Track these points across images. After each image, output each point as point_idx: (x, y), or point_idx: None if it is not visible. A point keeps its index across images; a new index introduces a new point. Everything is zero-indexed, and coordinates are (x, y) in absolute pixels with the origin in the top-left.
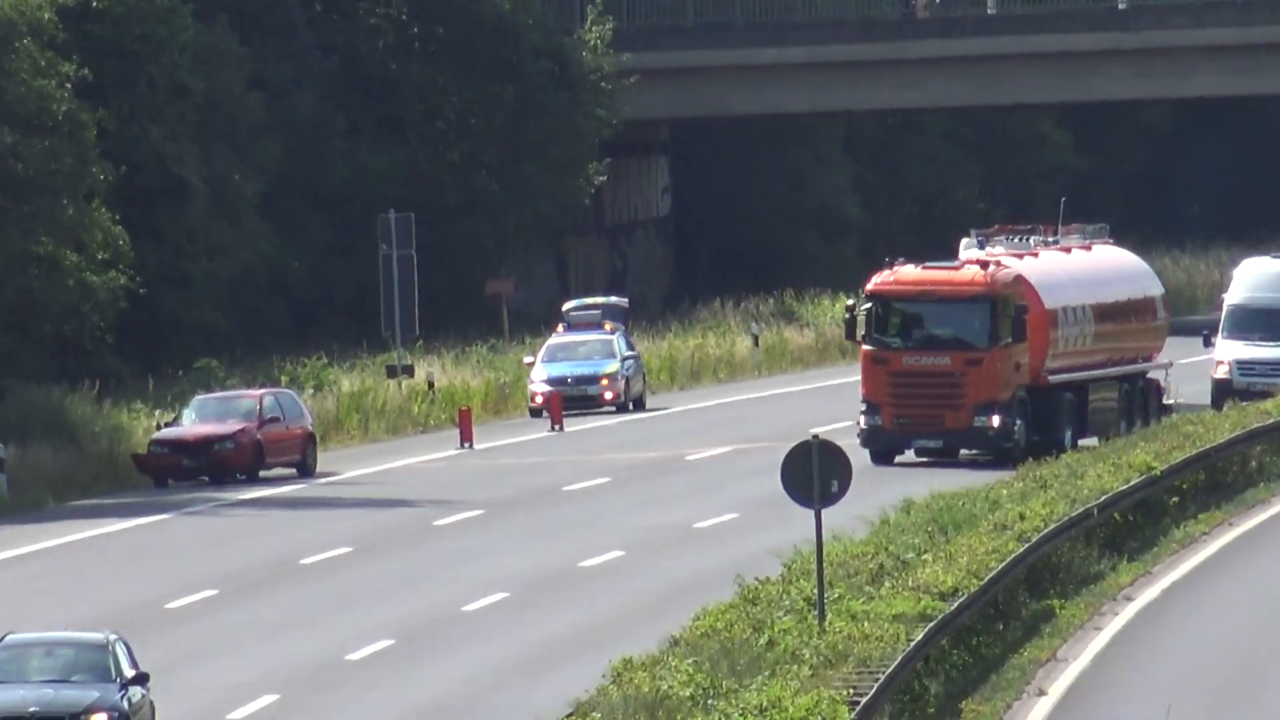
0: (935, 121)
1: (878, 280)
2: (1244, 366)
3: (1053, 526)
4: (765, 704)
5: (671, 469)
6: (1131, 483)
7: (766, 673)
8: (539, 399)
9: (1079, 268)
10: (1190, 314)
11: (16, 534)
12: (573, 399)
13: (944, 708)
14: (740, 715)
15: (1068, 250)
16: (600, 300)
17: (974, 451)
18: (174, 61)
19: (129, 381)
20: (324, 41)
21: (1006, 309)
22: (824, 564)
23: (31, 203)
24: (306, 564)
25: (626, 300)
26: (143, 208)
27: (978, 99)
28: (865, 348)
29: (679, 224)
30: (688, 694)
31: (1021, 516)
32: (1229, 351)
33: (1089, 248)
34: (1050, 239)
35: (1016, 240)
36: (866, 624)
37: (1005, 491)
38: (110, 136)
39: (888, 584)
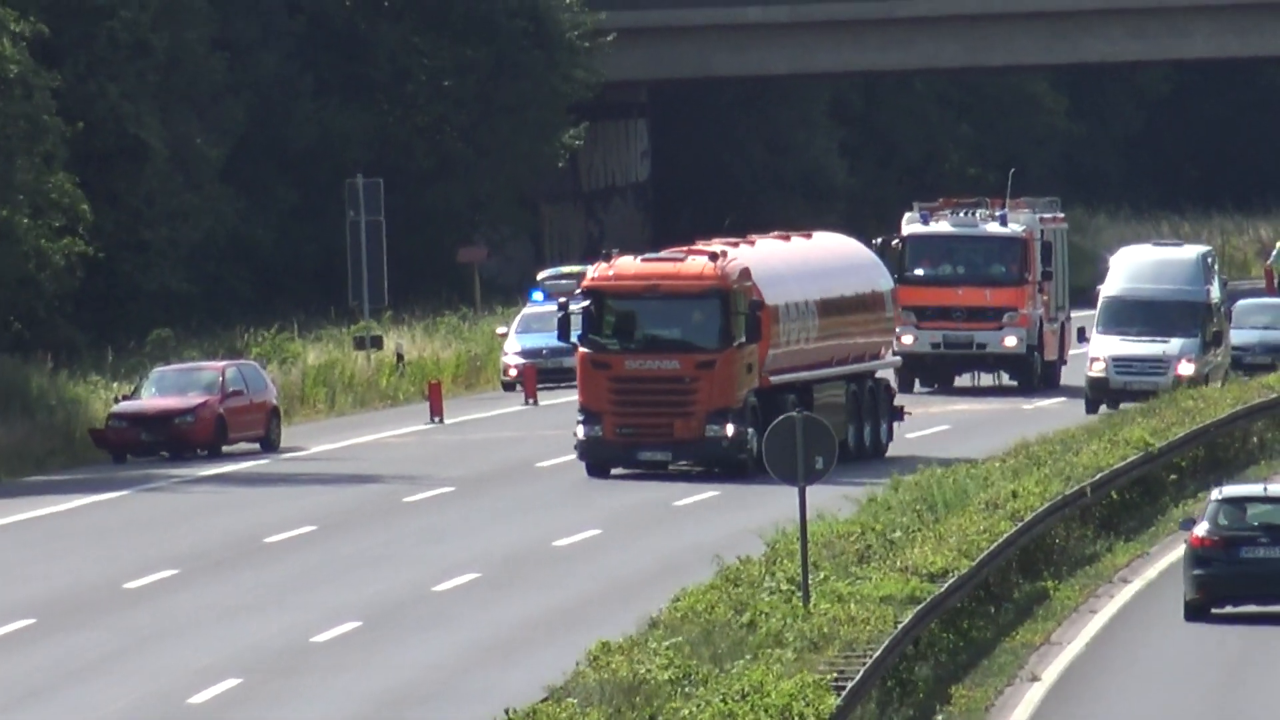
0: (924, 84)
1: (593, 274)
2: (1121, 364)
3: (1046, 505)
4: (747, 688)
5: None
6: (1128, 460)
7: (749, 656)
8: (512, 371)
9: (800, 258)
10: None
11: None
12: (547, 371)
13: (933, 693)
14: (722, 700)
15: (787, 238)
16: (576, 269)
17: (685, 464)
18: (135, 18)
19: (86, 352)
20: None
21: (739, 305)
22: (808, 543)
23: None
24: (270, 543)
25: None
26: (99, 170)
27: (968, 60)
28: (582, 350)
29: (658, 189)
30: (667, 678)
31: (1014, 495)
32: (1105, 348)
33: (809, 235)
34: (997, 213)
35: (963, 214)
36: (853, 606)
37: (997, 468)
38: (64, 95)
39: (875, 564)
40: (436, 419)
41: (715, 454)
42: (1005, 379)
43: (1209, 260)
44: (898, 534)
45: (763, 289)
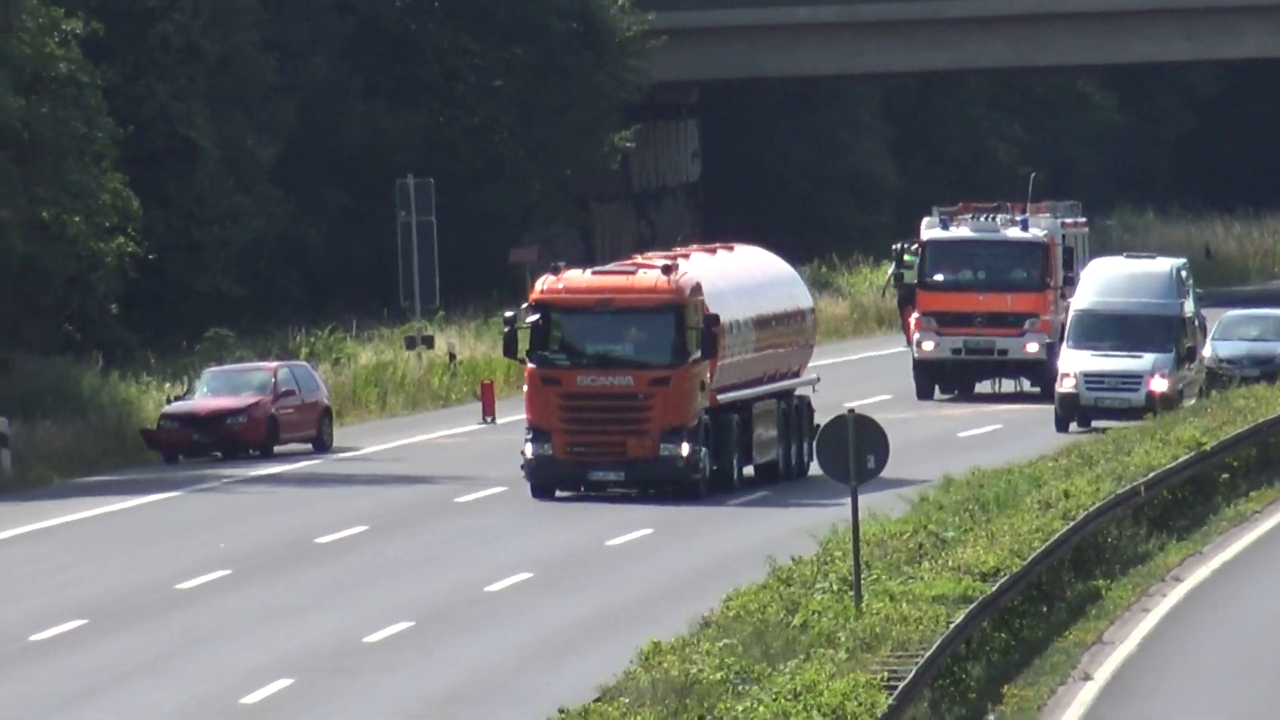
0: (974, 83)
1: (543, 287)
2: (1092, 380)
3: (1099, 504)
4: (799, 688)
5: None
6: (1180, 459)
7: (801, 656)
8: None
9: (734, 272)
10: (1241, 284)
11: (20, 512)
12: None
13: (986, 692)
14: (773, 700)
15: (713, 251)
16: None
17: (626, 487)
18: (187, 21)
19: (137, 353)
20: (341, 1)
21: (694, 320)
22: (860, 543)
23: (36, 166)
24: (322, 543)
25: None
26: (150, 171)
27: (1016, 60)
28: (530, 366)
29: (708, 189)
30: (719, 678)
31: (1066, 494)
32: (1075, 363)
33: (731, 249)
34: (1018, 217)
35: (983, 219)
36: (905, 605)
37: (1049, 467)
38: (115, 95)
39: (927, 564)
40: (488, 419)
41: (670, 474)
42: (1026, 385)
43: (1183, 274)
44: (950, 533)
45: (709, 303)
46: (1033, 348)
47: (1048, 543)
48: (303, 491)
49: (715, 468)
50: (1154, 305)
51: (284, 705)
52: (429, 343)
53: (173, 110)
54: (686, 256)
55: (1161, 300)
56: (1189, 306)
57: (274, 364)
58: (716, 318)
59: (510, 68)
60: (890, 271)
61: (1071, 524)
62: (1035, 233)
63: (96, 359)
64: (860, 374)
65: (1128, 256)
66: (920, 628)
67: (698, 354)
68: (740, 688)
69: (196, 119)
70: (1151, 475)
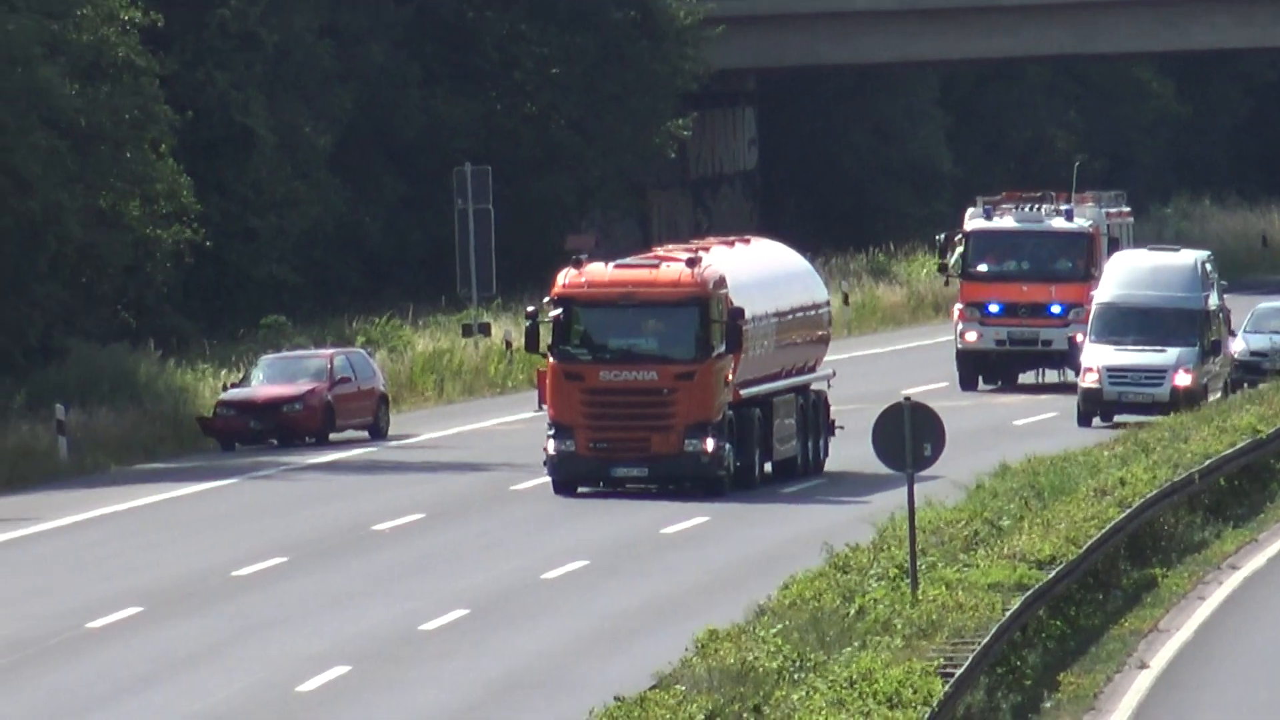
0: (1031, 71)
1: (565, 281)
2: (1115, 374)
3: (1155, 492)
4: (855, 676)
5: None
6: (1237, 446)
7: (857, 643)
8: None
9: (753, 266)
10: None
11: (77, 499)
12: None
13: (1042, 680)
14: (829, 687)
15: (731, 244)
16: None
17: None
18: (245, 9)
19: (193, 340)
20: None
21: (718, 314)
22: (916, 530)
23: (94, 154)
24: (378, 530)
25: None
26: (207, 159)
27: (1074, 47)
28: (552, 361)
29: (765, 177)
30: (775, 665)
31: (1122, 482)
32: (1098, 357)
33: (748, 242)
34: (1062, 207)
35: (1028, 209)
36: (961, 593)
37: (1105, 455)
38: (172, 83)
39: (983, 551)
40: (544, 406)
41: (694, 470)
42: (1070, 375)
43: (1207, 266)
44: (1005, 521)
45: (732, 297)
46: (1078, 338)
47: (1104, 530)
48: (359, 479)
49: (739, 464)
50: (1177, 298)
51: (340, 693)
52: (485, 330)
53: (230, 98)
54: (707, 249)
55: (1185, 293)
56: (1213, 299)
57: (330, 351)
58: (741, 311)
59: (568, 55)
60: (954, 258)
61: (1127, 511)
62: (1080, 223)
63: (153, 347)
64: (916, 361)
65: (1150, 249)
66: (976, 615)
67: (722, 348)
68: (796, 675)
69: (254, 106)
70: (1208, 463)
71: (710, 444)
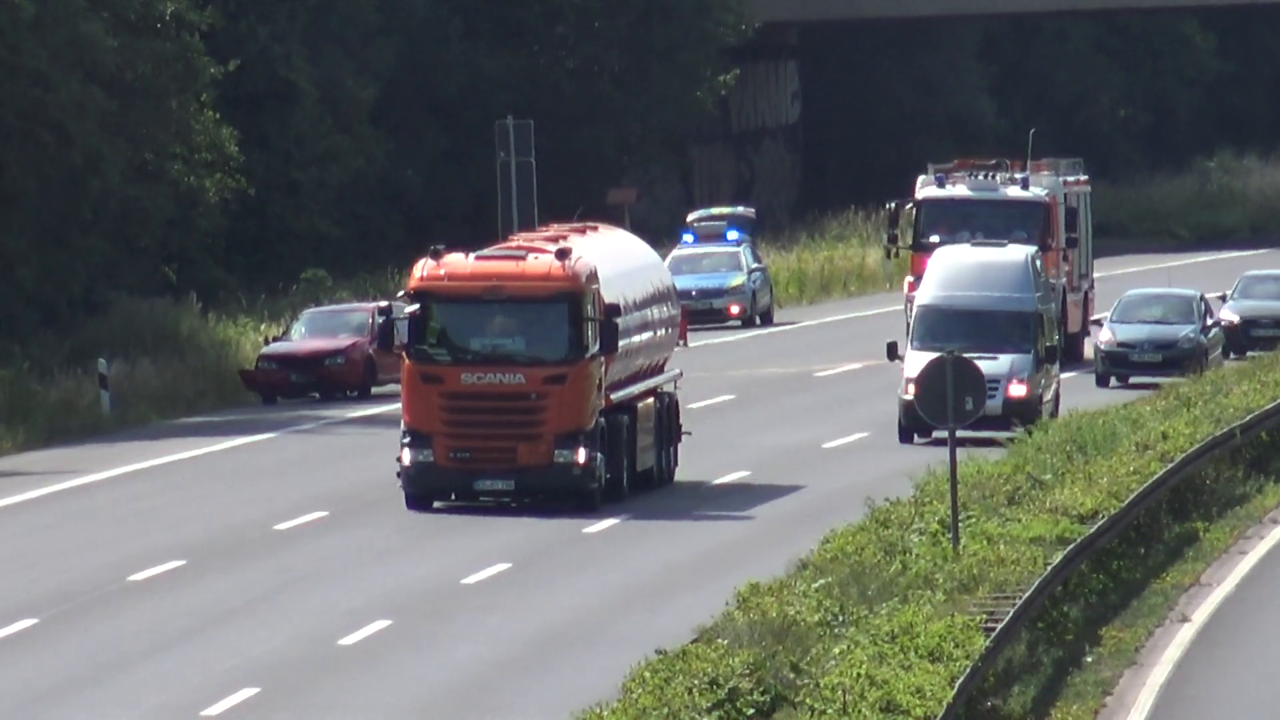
0: (1075, 24)
1: (421, 274)
2: None
3: (1197, 447)
4: (897, 630)
5: (799, 386)
6: (1279, 401)
7: (898, 598)
8: None
9: (615, 256)
10: None
11: (120, 452)
12: (697, 313)
13: (1083, 634)
14: (871, 641)
15: (583, 232)
16: (726, 210)
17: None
18: None
19: (235, 294)
20: None
21: (592, 310)
22: (958, 485)
23: (136, 107)
24: None
25: (754, 210)
26: (249, 112)
27: (1116, 2)
28: (408, 362)
29: (808, 131)
30: (816, 619)
31: (1164, 436)
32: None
33: (597, 229)
34: (1018, 175)
35: (981, 177)
36: (1002, 547)
37: (1147, 409)
38: (215, 36)
39: (1024, 506)
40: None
41: (564, 483)
42: None
43: (1037, 263)
44: (1047, 475)
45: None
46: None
47: (1145, 485)
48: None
49: (609, 476)
50: (1008, 300)
51: (382, 646)
52: None
53: (272, 51)
54: (565, 237)
55: (1016, 294)
56: (1045, 301)
57: (372, 305)
58: (617, 308)
59: (611, 9)
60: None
61: (1169, 466)
62: (1036, 191)
63: (195, 300)
64: None
65: (974, 244)
66: (1018, 569)
67: (596, 349)
68: (837, 629)
69: (296, 60)
70: (1249, 418)
71: (582, 454)
